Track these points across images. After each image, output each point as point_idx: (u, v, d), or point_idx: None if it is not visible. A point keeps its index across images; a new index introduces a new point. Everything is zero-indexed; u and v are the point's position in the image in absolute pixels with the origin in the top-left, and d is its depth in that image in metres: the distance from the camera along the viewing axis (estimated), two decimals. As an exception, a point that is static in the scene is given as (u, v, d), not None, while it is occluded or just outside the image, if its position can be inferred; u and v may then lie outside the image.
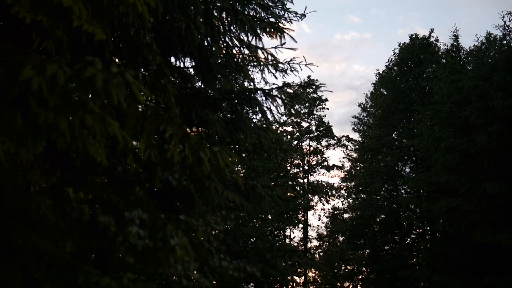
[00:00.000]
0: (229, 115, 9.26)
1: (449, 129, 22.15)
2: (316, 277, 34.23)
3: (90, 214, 5.59)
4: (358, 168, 35.85)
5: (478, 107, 19.57)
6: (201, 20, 7.84)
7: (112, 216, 5.54)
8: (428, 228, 28.61)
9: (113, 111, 5.51)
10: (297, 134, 33.74)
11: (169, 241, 4.99)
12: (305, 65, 9.38)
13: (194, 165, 5.30)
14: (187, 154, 5.23)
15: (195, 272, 5.22)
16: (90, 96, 4.29)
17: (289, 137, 32.74)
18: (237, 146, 9.72)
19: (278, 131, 28.46)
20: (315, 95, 32.05)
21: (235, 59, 8.75)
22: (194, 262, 5.36)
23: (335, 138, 35.01)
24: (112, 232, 5.44)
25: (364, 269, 32.64)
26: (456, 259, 20.39)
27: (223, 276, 5.95)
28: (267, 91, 9.29)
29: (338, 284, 33.86)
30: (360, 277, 33.34)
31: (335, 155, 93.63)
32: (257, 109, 9.57)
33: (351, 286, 34.35)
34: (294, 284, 31.72)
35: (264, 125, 10.20)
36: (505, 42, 21.60)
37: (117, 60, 6.93)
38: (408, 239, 31.32)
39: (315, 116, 34.23)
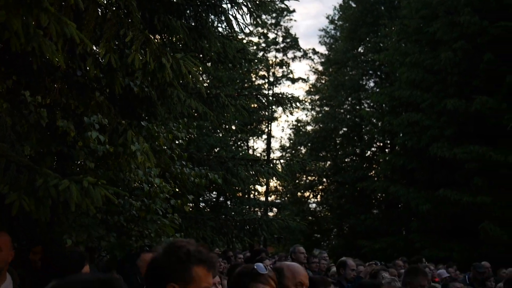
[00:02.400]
0: (193, 23, 8.98)
1: (415, 45, 22.19)
2: (277, 186, 35.19)
3: (49, 119, 5.49)
4: (323, 81, 35.96)
5: (445, 23, 19.56)
6: None
7: (71, 121, 5.46)
8: (388, 141, 29.34)
9: (71, 13, 5.28)
10: (263, 45, 33.32)
11: (130, 147, 4.97)
12: (273, -29, 9.05)
13: (156, 71, 5.17)
14: (148, 59, 5.09)
15: (156, 177, 5.27)
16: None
17: (255, 47, 32.30)
18: (201, 55, 9.52)
19: (244, 41, 27.98)
20: (282, 5, 31.35)
21: (200, -38, 8.37)
22: (156, 168, 5.39)
23: (301, 50, 34.76)
24: (72, 137, 5.39)
25: (324, 180, 33.62)
26: (413, 171, 21.13)
27: (185, 182, 6.03)
28: (233, -3, 8.98)
29: (299, 193, 34.94)
30: (320, 187, 34.41)
31: (300, 68, 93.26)
32: (223, 18, 9.31)
33: (311, 196, 35.51)
34: (256, 193, 32.58)
35: (230, 35, 9.98)
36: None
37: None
38: (369, 152, 32.19)
39: (282, 27, 33.71)
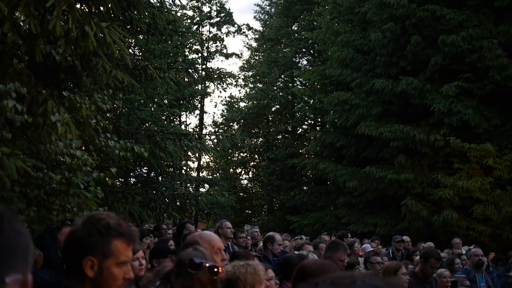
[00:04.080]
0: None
1: (347, 24, 22.55)
2: (209, 163, 35.20)
3: (-37, 86, 5.18)
4: (257, 58, 36.03)
5: (376, 4, 19.95)
6: None
7: (-13, 88, 5.18)
8: (319, 119, 29.84)
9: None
10: (197, 18, 32.90)
11: (49, 118, 4.78)
12: None
13: (79, 39, 4.99)
14: (70, 27, 4.90)
15: (78, 150, 5.09)
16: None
17: (189, 21, 31.85)
18: (130, 26, 9.26)
19: (178, 14, 27.52)
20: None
21: None
22: (78, 140, 5.21)
23: (236, 25, 34.61)
24: (-12, 106, 5.11)
25: (256, 156, 33.89)
26: (341, 149, 21.62)
27: (109, 155, 5.87)
28: (163, -33, 8.78)
29: (231, 170, 35.10)
30: (252, 164, 34.69)
31: (234, 43, 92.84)
32: (153, -12, 9.10)
33: (243, 172, 35.77)
34: (188, 169, 32.45)
35: (161, 7, 9.76)
36: None
37: None
38: (300, 129, 32.68)
39: (216, 1, 33.38)
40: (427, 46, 18.53)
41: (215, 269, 2.75)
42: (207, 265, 2.75)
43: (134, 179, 23.93)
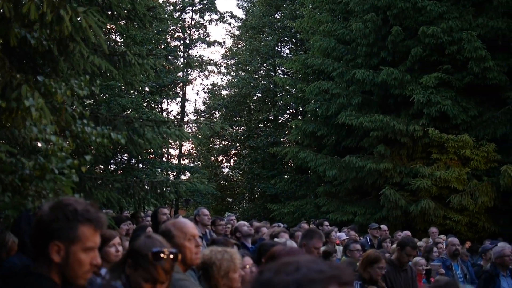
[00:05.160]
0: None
1: (329, 14, 22.56)
2: (191, 150, 35.13)
3: None
4: (239, 46, 35.93)
5: (358, -6, 20.01)
6: None
7: (-40, 72, 5.11)
8: (300, 108, 29.91)
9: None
10: (180, 5, 32.65)
11: (23, 102, 4.72)
12: None
13: (53, 23, 4.92)
14: (45, 10, 4.83)
15: (52, 135, 5.05)
16: None
17: (171, 7, 31.59)
18: (110, 12, 9.15)
19: (160, 1, 27.31)
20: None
21: None
22: (53, 125, 5.16)
23: (218, 13, 34.42)
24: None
25: (238, 144, 33.92)
26: (322, 138, 21.72)
27: (86, 141, 5.82)
28: (143, -48, 8.68)
29: (213, 158, 35.09)
30: (233, 152, 34.72)
31: (217, 31, 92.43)
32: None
33: (224, 160, 35.79)
34: (169, 157, 32.33)
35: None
36: None
37: None
38: (282, 118, 32.74)
39: (199, -13, 33.19)
40: (407, 37, 18.65)
41: (175, 256, 2.76)
42: (170, 252, 2.76)
43: (114, 166, 23.75)
